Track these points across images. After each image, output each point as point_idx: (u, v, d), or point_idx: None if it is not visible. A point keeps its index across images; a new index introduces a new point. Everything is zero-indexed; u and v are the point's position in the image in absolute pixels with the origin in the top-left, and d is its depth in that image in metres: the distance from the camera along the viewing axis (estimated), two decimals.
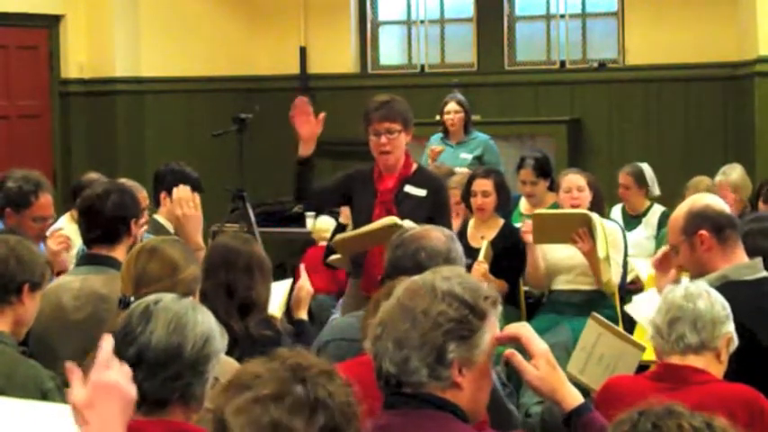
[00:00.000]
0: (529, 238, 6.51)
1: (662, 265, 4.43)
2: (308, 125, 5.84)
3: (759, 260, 4.10)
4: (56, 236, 5.51)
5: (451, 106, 8.90)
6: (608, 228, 6.68)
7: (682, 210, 4.21)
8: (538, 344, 2.75)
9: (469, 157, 8.71)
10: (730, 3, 10.12)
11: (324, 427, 2.01)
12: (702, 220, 4.11)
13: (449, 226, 5.42)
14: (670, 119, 10.50)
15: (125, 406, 2.18)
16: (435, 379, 2.55)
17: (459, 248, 3.94)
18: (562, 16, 11.09)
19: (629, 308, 5.57)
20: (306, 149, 5.84)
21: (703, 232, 4.08)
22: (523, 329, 2.76)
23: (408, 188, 5.64)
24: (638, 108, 10.62)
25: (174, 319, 2.67)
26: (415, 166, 5.75)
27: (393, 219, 5.32)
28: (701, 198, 4.33)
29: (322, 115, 5.83)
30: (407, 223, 5.04)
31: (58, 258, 5.23)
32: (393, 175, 5.66)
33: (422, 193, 5.62)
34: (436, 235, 3.93)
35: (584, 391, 5.39)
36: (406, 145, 5.72)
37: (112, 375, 2.19)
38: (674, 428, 1.97)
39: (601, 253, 6.41)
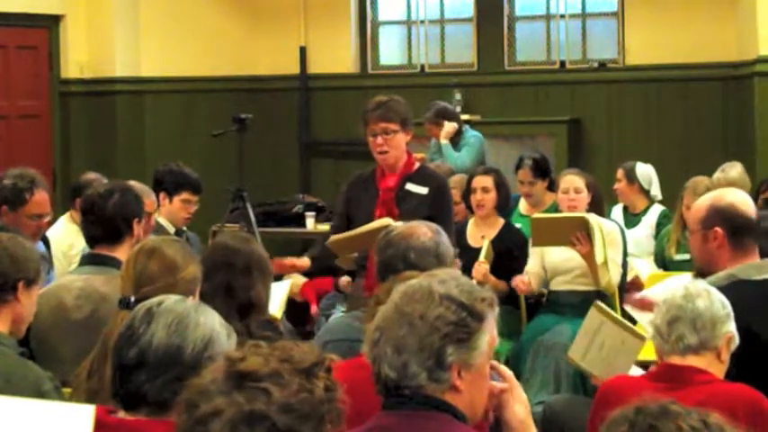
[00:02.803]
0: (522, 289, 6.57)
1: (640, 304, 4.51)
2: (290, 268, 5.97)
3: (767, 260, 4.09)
4: None
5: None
6: (606, 227, 6.68)
7: (706, 200, 4.13)
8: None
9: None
10: (730, 3, 10.12)
11: None
12: (722, 217, 4.04)
13: (449, 224, 5.43)
14: (670, 119, 10.50)
15: None
16: (435, 382, 2.55)
17: (446, 241, 3.93)
18: (562, 16, 11.09)
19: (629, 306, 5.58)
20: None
21: (718, 229, 4.04)
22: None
23: (410, 186, 5.65)
24: (637, 108, 10.61)
25: (175, 320, 2.65)
26: (417, 165, 5.76)
27: (388, 220, 5.31)
28: (729, 193, 4.20)
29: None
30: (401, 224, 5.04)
31: None
32: (395, 174, 5.67)
33: (423, 190, 5.63)
34: (423, 231, 3.91)
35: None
36: (407, 144, 5.73)
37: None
38: (672, 429, 1.96)
39: (599, 258, 6.40)
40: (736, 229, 4.03)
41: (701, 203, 4.13)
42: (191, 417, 2.01)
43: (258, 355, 2.05)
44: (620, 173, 8.07)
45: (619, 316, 5.05)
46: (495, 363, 2.72)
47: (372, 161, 5.80)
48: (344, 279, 6.05)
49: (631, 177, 7.99)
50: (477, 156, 8.83)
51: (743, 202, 4.13)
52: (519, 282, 6.56)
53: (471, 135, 9.00)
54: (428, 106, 9.11)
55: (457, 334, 2.56)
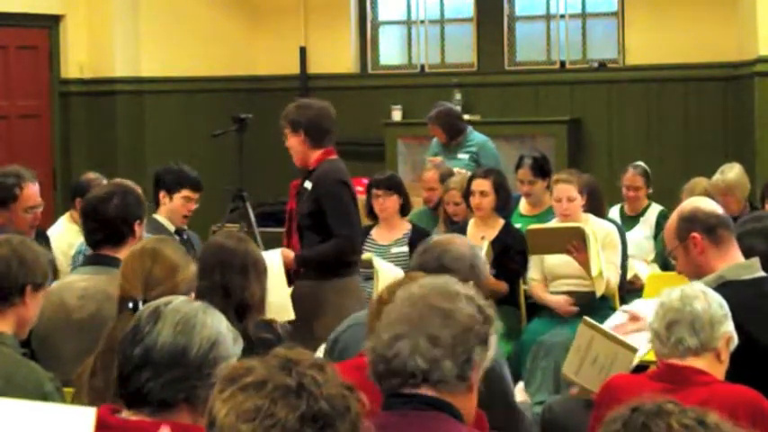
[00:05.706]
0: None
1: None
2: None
3: (756, 260, 4.12)
4: None
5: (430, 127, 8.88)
6: (605, 228, 6.68)
7: (674, 216, 4.26)
8: None
9: (466, 157, 8.72)
10: (730, 3, 10.13)
11: (306, 413, 1.96)
12: (693, 222, 4.15)
13: (337, 217, 5.73)
14: (670, 119, 10.50)
15: None
16: (460, 380, 2.58)
17: (483, 256, 4.04)
18: (562, 16, 11.10)
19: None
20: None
21: (695, 235, 4.11)
22: None
23: (306, 183, 5.91)
24: (638, 108, 10.62)
25: (181, 320, 2.65)
26: (322, 163, 5.89)
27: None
28: (691, 202, 4.36)
29: None
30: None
31: None
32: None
33: (309, 186, 5.87)
34: (461, 241, 4.04)
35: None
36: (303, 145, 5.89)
37: None
38: (663, 428, 1.95)
39: (594, 271, 6.40)
40: (710, 228, 4.12)
41: (670, 222, 4.27)
42: (235, 385, 2.00)
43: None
44: (636, 179, 7.91)
45: (608, 330, 5.06)
46: None
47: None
48: None
49: (648, 180, 7.91)
50: (497, 158, 8.76)
51: (704, 203, 4.29)
52: (562, 304, 6.64)
53: (478, 139, 8.92)
54: (434, 105, 9.07)
55: (482, 335, 2.61)
